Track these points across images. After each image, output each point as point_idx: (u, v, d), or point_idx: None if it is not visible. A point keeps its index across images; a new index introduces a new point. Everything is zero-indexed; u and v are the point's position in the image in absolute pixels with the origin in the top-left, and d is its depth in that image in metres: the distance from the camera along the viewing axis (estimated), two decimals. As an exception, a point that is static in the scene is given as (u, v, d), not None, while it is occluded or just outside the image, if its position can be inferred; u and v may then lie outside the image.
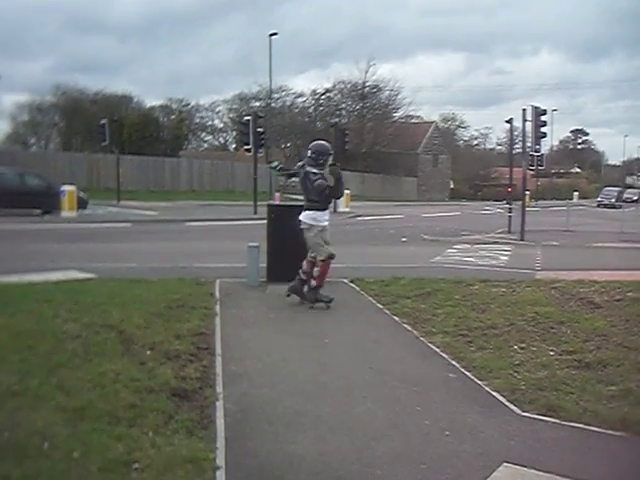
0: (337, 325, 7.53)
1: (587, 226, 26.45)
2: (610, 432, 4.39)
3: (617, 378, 5.50)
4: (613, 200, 52.18)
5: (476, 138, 79.14)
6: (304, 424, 4.45)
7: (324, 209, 8.37)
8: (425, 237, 20.68)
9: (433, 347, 6.47)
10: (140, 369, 5.33)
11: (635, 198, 55.69)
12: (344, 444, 4.13)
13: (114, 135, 32.69)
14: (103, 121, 32.00)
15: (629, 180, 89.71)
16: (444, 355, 6.20)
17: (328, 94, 60.21)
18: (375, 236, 20.55)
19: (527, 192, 26.40)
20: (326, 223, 8.38)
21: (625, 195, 58.51)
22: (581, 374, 5.62)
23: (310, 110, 60.92)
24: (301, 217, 8.34)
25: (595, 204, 54.73)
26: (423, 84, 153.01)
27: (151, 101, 74.91)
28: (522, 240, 20.24)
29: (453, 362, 5.96)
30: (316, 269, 8.31)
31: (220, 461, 3.81)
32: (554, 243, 19.86)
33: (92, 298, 8.02)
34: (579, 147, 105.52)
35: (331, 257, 8.26)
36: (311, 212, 8.29)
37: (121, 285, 9.16)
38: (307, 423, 4.47)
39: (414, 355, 6.29)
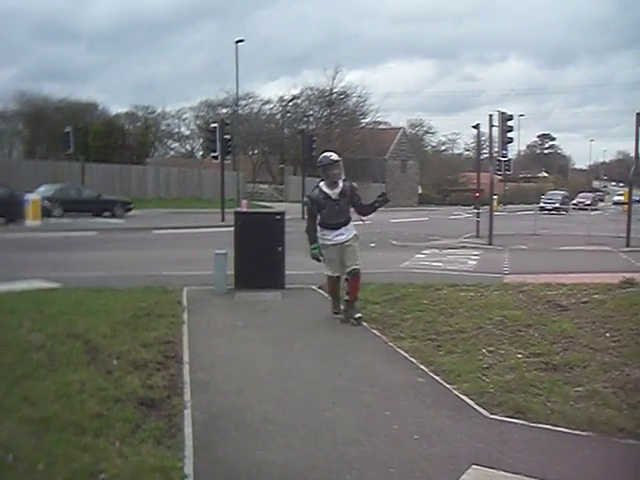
0: (305, 332, 7.50)
1: (555, 230, 26.79)
2: (577, 432, 4.44)
3: (584, 379, 5.55)
4: (557, 205, 46.96)
5: (444, 143, 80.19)
6: (273, 431, 4.43)
7: (326, 227, 7.89)
8: (394, 242, 20.76)
9: (402, 352, 6.47)
10: (106, 378, 5.26)
11: (588, 202, 53.79)
12: (313, 450, 4.11)
13: (79, 143, 32.35)
14: (67, 129, 31.67)
15: (595, 184, 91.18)
16: (413, 360, 6.19)
17: (295, 101, 60.35)
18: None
19: (495, 197, 26.69)
20: (335, 241, 7.89)
21: (577, 199, 55.60)
22: (548, 376, 5.67)
23: (278, 117, 60.94)
24: None
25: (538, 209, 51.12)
26: (393, 90, 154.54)
27: (118, 109, 74.30)
28: (490, 244, 20.41)
29: (422, 366, 5.97)
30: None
31: (188, 469, 3.77)
32: (522, 247, 20.06)
33: (57, 308, 7.89)
34: (546, 152, 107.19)
35: (329, 277, 8.14)
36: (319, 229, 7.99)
37: (87, 294, 9.03)
38: (276, 430, 4.45)
39: (383, 360, 6.29)
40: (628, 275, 10.86)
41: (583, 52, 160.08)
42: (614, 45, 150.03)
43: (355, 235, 8.01)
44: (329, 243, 7.89)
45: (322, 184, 7.85)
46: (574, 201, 51.44)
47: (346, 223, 7.96)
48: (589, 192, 64.54)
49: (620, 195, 62.67)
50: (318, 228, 7.91)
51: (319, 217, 7.89)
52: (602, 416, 4.64)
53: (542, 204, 49.00)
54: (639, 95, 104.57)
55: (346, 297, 8.03)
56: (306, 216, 8.11)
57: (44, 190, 27.73)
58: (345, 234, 7.91)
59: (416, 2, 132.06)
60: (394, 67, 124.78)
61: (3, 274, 10.80)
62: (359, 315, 7.79)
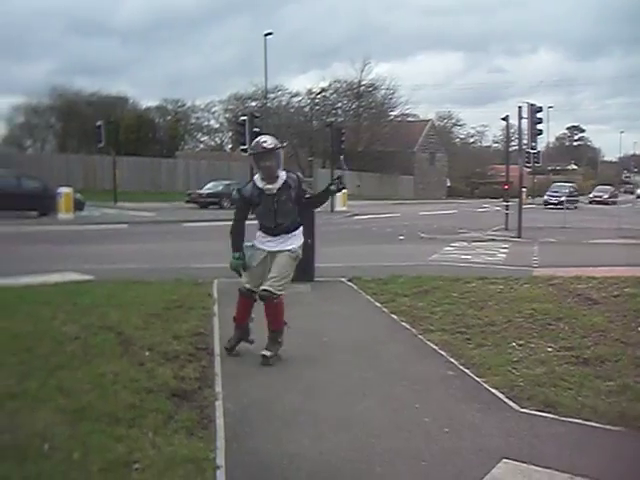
0: (335, 324, 7.51)
1: (584, 222, 26.48)
2: (609, 427, 4.39)
3: (615, 373, 5.49)
4: (563, 198, 36.99)
5: (472, 136, 79.24)
6: (303, 422, 4.45)
7: (262, 229, 6.10)
8: (422, 235, 20.70)
9: (431, 345, 6.45)
10: (139, 370, 5.33)
11: (606, 196, 50.28)
12: (343, 442, 4.13)
13: (110, 137, 32.70)
14: (99, 123, 32.03)
15: (627, 176, 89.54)
16: (442, 353, 6.17)
17: (324, 93, 60.20)
18: (372, 234, 20.58)
19: (524, 189, 26.41)
20: (264, 247, 6.04)
21: (594, 193, 51.72)
22: (579, 370, 5.62)
23: (306, 109, 60.89)
24: None
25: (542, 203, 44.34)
26: (422, 83, 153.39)
27: (148, 102, 74.73)
28: (519, 237, 20.26)
29: (452, 359, 5.94)
30: None
31: (220, 460, 3.81)
32: (551, 240, 19.88)
33: (90, 300, 8.02)
34: (575, 144, 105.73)
35: (239, 291, 6.24)
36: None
37: (119, 287, 9.14)
38: (306, 421, 4.47)
39: (413, 353, 6.28)
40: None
41: (613, 43, 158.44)
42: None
43: (295, 250, 6.02)
44: (257, 246, 6.06)
45: (257, 177, 5.99)
46: (590, 195, 48.60)
47: (288, 230, 5.98)
48: (608, 185, 60.48)
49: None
50: (257, 233, 6.15)
51: (257, 218, 6.14)
52: (634, 411, 4.58)
53: (546, 197, 43.70)
54: None
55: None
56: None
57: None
58: (280, 243, 5.97)
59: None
60: (423, 59, 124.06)
61: (38, 266, 10.99)
62: (269, 353, 5.86)
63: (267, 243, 6.02)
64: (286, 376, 5.52)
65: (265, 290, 5.86)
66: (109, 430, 4.07)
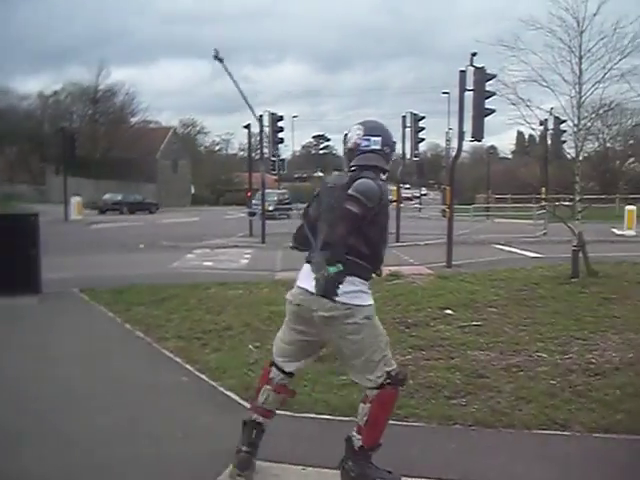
0: (63, 336, 7.11)
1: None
2: (340, 418, 4.54)
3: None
4: (271, 207, 28.75)
5: (218, 144, 79.81)
6: (28, 442, 4.14)
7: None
8: (165, 243, 20.30)
9: (166, 352, 6.31)
10: None
11: None
12: (71, 457, 3.92)
13: None
14: None
15: None
16: (177, 359, 6.06)
17: (57, 97, 56.84)
18: (111, 244, 19.70)
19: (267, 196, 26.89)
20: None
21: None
22: (315, 367, 5.73)
23: (38, 113, 56.98)
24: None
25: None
26: (168, 89, 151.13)
27: None
28: (263, 243, 20.69)
29: (187, 365, 5.85)
30: None
31: None
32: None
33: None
34: (321, 152, 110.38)
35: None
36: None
37: None
38: (34, 441, 4.16)
39: (147, 362, 6.12)
40: (393, 268, 11.56)
41: (358, 59, 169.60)
42: (389, 54, 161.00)
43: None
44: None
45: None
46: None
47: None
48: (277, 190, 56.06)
49: None
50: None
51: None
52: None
53: (253, 207, 29.36)
54: (408, 99, 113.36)
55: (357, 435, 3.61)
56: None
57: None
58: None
59: (186, 3, 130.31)
60: (169, 66, 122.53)
61: None
62: None
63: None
64: (9, 396, 5.08)
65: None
66: None
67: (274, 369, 3.72)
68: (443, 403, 4.76)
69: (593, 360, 5.76)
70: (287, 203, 37.75)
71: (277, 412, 4.47)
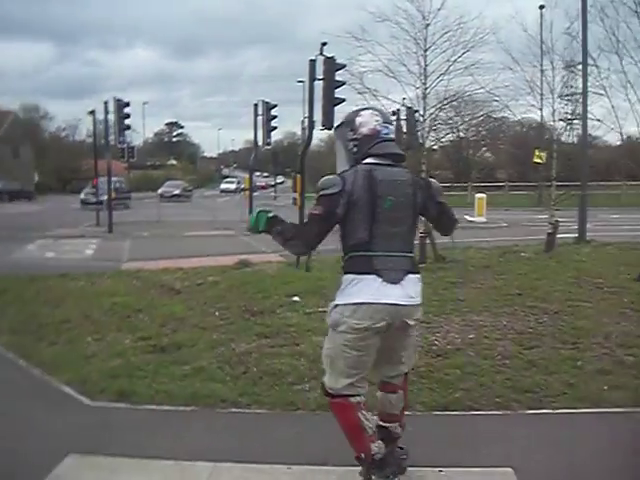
0: None
1: (181, 217, 26.92)
2: (182, 408, 4.49)
3: (190, 358, 5.62)
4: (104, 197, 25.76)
5: (64, 129, 75.86)
6: None
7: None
8: (2, 233, 19.03)
9: (-2, 348, 5.97)
10: None
11: (176, 192, 45.27)
12: None
13: None
14: None
15: (225, 171, 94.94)
16: (10, 355, 5.75)
17: None
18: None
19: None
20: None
21: (163, 189, 43.34)
22: (156, 358, 5.64)
23: None
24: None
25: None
26: (6, 71, 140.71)
27: None
28: (110, 232, 20.12)
29: (20, 361, 5.56)
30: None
31: None
32: (144, 234, 19.99)
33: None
34: (175, 139, 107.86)
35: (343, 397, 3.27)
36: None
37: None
38: None
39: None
40: (244, 256, 11.55)
41: (211, 46, 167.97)
42: (242, 41, 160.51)
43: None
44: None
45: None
46: (159, 191, 38.61)
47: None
48: (179, 180, 56.20)
49: (228, 182, 63.06)
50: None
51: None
52: (206, 390, 4.74)
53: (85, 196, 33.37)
54: (264, 87, 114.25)
55: (384, 423, 3.44)
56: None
57: None
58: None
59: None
60: (8, 46, 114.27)
61: None
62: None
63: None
64: None
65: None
66: None
67: (353, 398, 3.22)
68: (287, 389, 4.79)
69: (436, 342, 5.97)
70: (126, 192, 35.15)
71: (115, 405, 4.37)
